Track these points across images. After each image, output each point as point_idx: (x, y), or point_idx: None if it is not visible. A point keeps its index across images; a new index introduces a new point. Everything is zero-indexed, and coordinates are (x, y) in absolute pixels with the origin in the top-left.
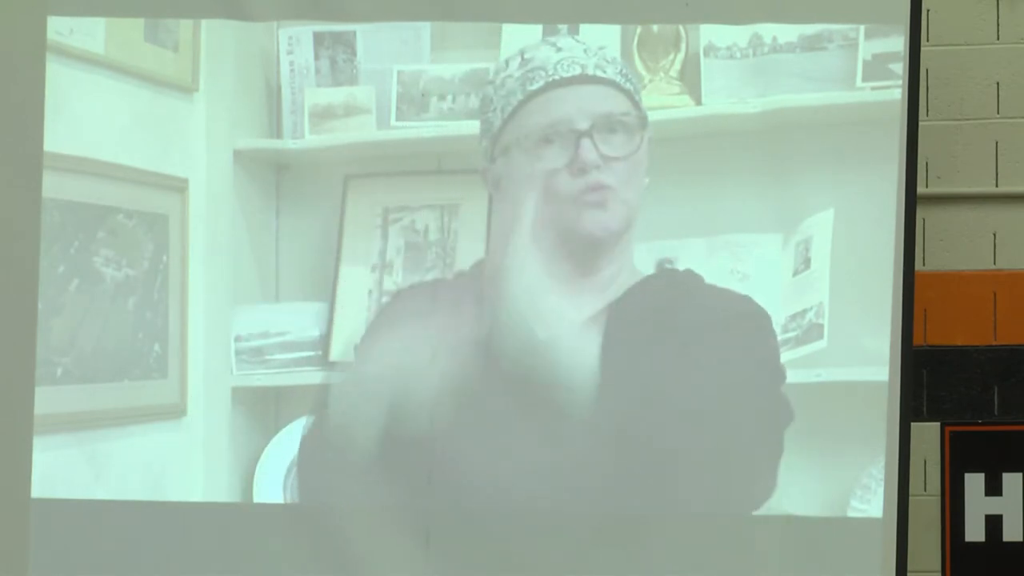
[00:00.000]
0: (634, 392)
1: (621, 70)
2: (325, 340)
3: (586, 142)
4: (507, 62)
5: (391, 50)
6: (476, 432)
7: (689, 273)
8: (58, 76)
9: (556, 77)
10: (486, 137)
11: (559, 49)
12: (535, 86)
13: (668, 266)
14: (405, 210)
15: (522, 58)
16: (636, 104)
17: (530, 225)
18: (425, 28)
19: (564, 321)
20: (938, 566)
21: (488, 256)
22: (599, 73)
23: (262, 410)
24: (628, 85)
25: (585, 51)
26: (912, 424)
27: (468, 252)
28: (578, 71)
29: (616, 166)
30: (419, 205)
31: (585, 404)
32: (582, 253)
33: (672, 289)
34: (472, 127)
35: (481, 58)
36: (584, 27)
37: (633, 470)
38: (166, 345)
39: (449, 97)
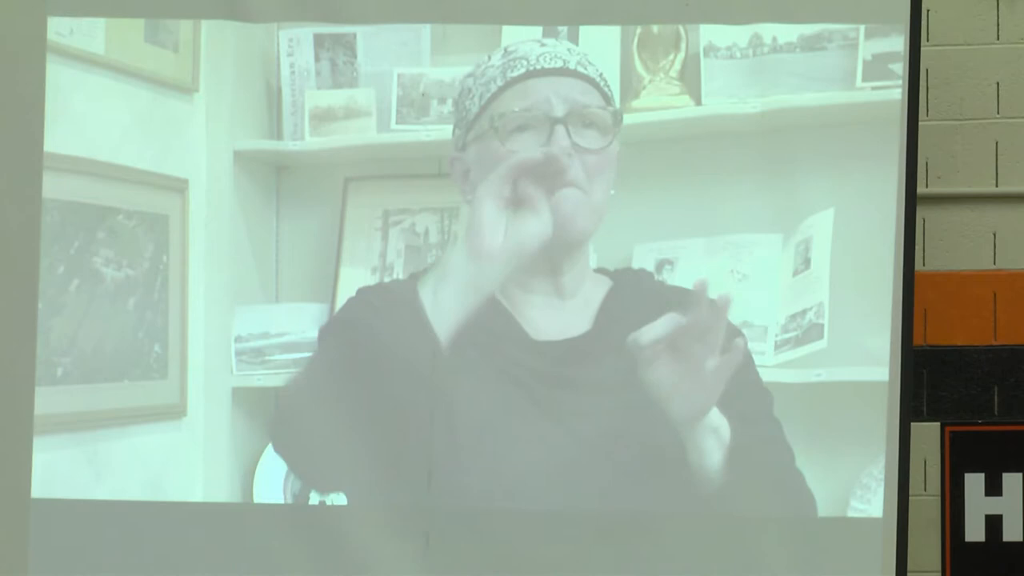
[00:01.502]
0: (634, 391)
1: (601, 73)
2: None
3: (560, 129)
4: (489, 56)
5: (391, 52)
6: (476, 432)
7: (643, 273)
8: (58, 76)
9: (538, 67)
10: (460, 125)
11: (543, 45)
12: (516, 73)
13: (621, 268)
14: (405, 213)
15: (505, 51)
16: (611, 106)
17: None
18: (425, 30)
19: (553, 323)
20: (938, 566)
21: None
22: (580, 69)
23: (262, 410)
24: (605, 88)
25: (568, 50)
26: (912, 424)
27: None
28: (560, 64)
29: (587, 159)
30: (419, 208)
31: (587, 405)
32: (547, 249)
33: (640, 294)
34: None
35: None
36: (584, 28)
37: (634, 470)
38: (166, 345)
39: (449, 100)
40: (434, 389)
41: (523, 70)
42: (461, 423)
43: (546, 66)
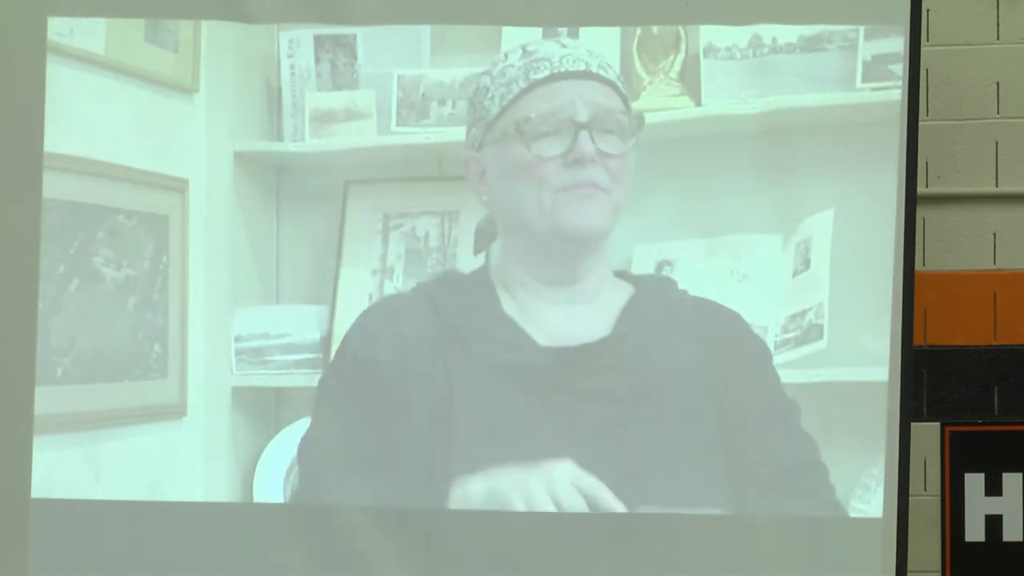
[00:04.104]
0: (646, 399)
1: (619, 75)
2: (326, 343)
3: (584, 134)
4: (507, 55)
5: (391, 54)
6: (476, 432)
7: (667, 280)
8: (58, 76)
9: (561, 69)
10: (477, 125)
11: (564, 46)
12: (539, 75)
13: (645, 274)
14: (405, 216)
15: (524, 50)
16: (630, 110)
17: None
18: (425, 31)
19: (568, 328)
20: (938, 566)
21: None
22: (601, 72)
23: (262, 410)
24: (624, 91)
25: (588, 51)
26: (912, 424)
27: (468, 259)
28: (583, 67)
29: (609, 164)
30: (419, 211)
31: (591, 408)
32: (565, 252)
33: (663, 303)
34: None
35: (481, 62)
36: (584, 29)
37: (635, 470)
38: (166, 345)
39: (449, 102)
40: (434, 389)
41: (547, 72)
42: (462, 424)
43: (569, 68)
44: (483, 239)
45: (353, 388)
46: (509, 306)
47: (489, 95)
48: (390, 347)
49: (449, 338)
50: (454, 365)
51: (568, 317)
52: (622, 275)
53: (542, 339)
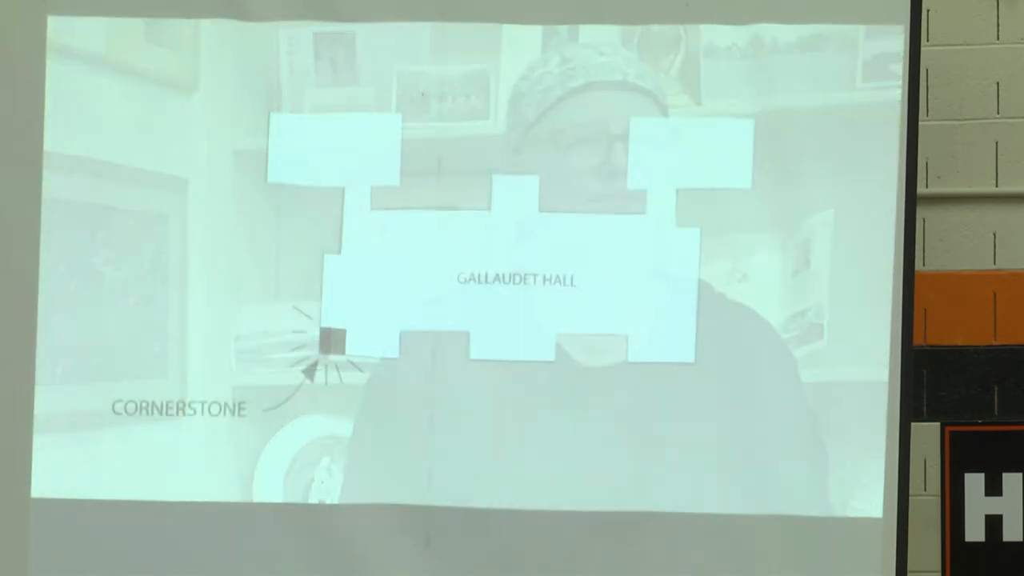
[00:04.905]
0: (666, 401)
1: (657, 84)
2: (326, 340)
3: (619, 146)
4: (545, 60)
5: (391, 51)
6: (477, 432)
7: (702, 284)
8: (58, 76)
9: (597, 79)
10: (514, 130)
11: (602, 53)
12: (576, 84)
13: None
14: (405, 212)
15: (562, 57)
16: (668, 118)
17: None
18: (425, 29)
19: (593, 336)
20: (938, 566)
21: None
22: (638, 82)
23: (262, 409)
24: (663, 100)
25: (626, 61)
26: (912, 424)
27: (469, 256)
28: (620, 77)
29: (643, 174)
30: (419, 207)
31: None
32: (598, 257)
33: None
34: (472, 128)
35: (481, 59)
36: (584, 27)
37: (636, 470)
38: (166, 344)
39: (449, 97)
40: (435, 388)
41: (583, 81)
42: (463, 424)
43: (606, 78)
44: (521, 237)
45: (390, 391)
46: (538, 309)
47: (526, 101)
48: (416, 350)
49: (478, 341)
50: (476, 368)
51: (599, 321)
52: (658, 274)
53: (572, 344)
